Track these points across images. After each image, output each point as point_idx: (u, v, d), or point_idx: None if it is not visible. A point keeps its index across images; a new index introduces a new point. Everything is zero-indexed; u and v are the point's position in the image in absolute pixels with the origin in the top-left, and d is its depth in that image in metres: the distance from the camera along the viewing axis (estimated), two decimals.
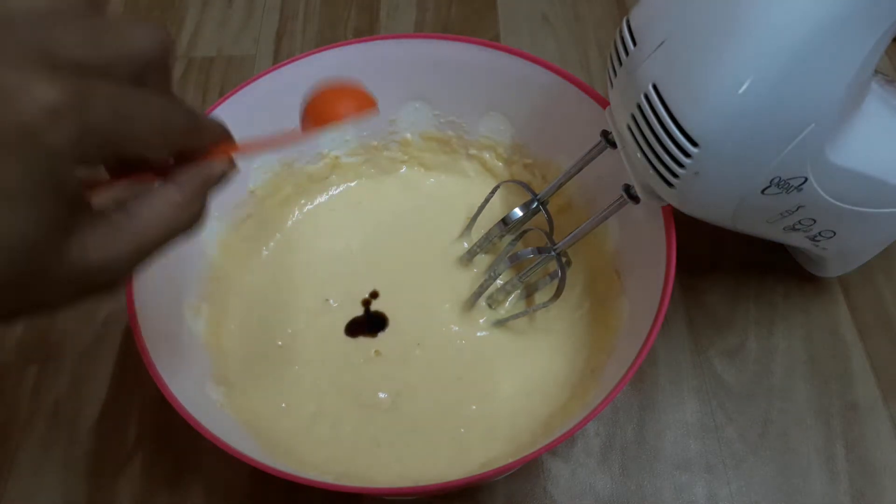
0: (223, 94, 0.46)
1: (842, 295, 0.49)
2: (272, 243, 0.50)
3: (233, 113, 0.44)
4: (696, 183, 0.33)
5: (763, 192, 0.33)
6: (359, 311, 0.48)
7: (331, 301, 0.48)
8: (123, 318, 0.49)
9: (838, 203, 0.36)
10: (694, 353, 0.47)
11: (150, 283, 0.39)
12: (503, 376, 0.45)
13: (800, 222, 0.37)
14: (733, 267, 0.50)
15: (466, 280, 0.48)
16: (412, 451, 0.42)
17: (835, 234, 0.39)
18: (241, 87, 0.45)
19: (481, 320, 0.47)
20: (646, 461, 0.43)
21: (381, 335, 0.47)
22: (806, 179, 0.33)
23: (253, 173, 0.48)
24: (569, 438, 0.43)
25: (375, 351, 0.46)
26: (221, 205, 0.46)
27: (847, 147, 0.34)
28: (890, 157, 0.37)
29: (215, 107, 0.44)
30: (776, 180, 0.33)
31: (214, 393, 0.41)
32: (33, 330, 0.49)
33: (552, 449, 0.43)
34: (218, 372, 0.43)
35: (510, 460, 0.35)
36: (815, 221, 0.37)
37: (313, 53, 0.46)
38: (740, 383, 0.46)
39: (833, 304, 0.48)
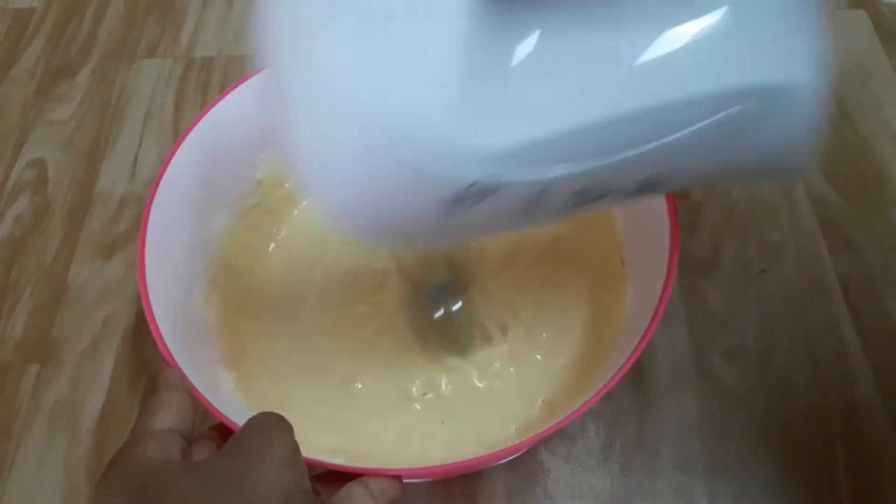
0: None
1: (842, 295, 0.49)
2: (283, 230, 0.50)
3: (233, 110, 0.44)
4: None
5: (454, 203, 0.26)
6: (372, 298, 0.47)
7: (341, 289, 0.48)
8: (124, 318, 0.49)
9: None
10: (694, 353, 0.47)
11: (161, 272, 0.39)
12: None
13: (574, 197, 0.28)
14: (733, 267, 0.50)
15: None
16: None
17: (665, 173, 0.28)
18: (240, 84, 0.44)
19: None
20: (646, 461, 0.43)
21: None
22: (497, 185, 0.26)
23: (261, 162, 0.47)
24: (569, 439, 0.44)
25: None
26: (229, 194, 0.46)
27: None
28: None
29: (215, 103, 0.44)
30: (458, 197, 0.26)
31: (225, 378, 0.41)
32: (33, 330, 0.49)
33: (552, 449, 0.44)
34: (228, 358, 0.43)
35: (509, 444, 0.35)
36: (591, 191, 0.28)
37: None
38: (740, 383, 0.46)
39: (833, 304, 0.48)
